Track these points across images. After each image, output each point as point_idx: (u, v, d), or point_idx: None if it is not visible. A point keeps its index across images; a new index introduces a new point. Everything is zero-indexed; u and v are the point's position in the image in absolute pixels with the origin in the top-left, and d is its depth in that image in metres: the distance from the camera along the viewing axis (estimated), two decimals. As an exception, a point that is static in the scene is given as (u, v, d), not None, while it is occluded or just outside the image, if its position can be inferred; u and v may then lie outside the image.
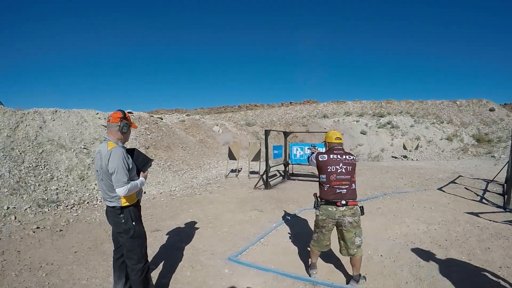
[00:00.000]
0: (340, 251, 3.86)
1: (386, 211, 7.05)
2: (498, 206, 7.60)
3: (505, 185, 8.38)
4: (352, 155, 3.87)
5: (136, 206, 3.25)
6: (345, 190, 3.62)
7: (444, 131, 24.60)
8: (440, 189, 9.44)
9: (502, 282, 3.85)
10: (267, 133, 9.84)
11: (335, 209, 3.59)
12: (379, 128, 23.33)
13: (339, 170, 3.67)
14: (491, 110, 30.91)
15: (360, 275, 3.82)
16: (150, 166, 3.39)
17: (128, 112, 14.13)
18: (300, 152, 10.83)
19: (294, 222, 6.31)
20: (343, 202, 3.58)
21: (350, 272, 3.94)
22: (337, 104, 35.77)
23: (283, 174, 11.47)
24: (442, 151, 21.38)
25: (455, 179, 11.18)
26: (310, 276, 4.01)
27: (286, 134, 11.24)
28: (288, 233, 5.70)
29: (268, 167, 9.72)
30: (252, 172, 11.88)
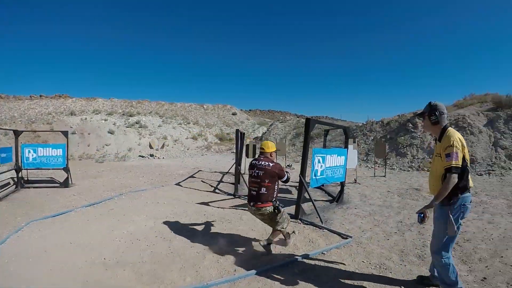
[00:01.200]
0: None
1: (118, 211, 7.01)
2: (229, 194, 8.86)
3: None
4: (271, 161, 4.51)
5: None
6: (255, 193, 4.38)
7: (190, 131, 27.08)
8: (177, 184, 10.19)
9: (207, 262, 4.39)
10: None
11: (249, 207, 4.53)
12: (127, 127, 23.34)
13: (253, 174, 4.42)
14: (234, 114, 36.65)
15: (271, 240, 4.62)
16: None
17: None
18: (33, 155, 9.51)
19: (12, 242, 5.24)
20: (251, 203, 4.43)
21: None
22: (87, 100, 33.87)
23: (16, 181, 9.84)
24: (188, 149, 23.49)
25: (194, 174, 12.36)
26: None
27: (16, 133, 9.59)
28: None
29: (-8, 174, 8.38)
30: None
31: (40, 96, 47.65)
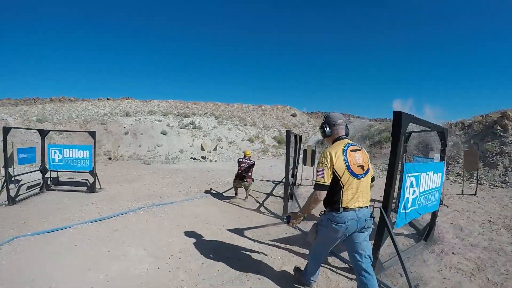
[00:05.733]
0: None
1: (120, 235, 5.16)
2: (276, 216, 6.61)
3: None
4: (251, 160, 8.17)
5: None
6: (246, 174, 7.96)
7: (246, 132, 25.63)
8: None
9: None
10: (6, 130, 7.41)
11: (241, 181, 7.99)
12: (181, 128, 22.38)
13: (244, 166, 7.97)
14: (293, 115, 34.61)
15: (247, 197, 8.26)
16: None
17: None
18: (59, 156, 8.47)
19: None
20: (244, 180, 7.98)
21: None
22: (142, 102, 34.14)
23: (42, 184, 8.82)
24: (243, 152, 21.86)
25: (241, 183, 10.53)
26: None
27: (42, 133, 8.73)
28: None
29: (8, 176, 7.34)
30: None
31: (107, 98, 49.08)
